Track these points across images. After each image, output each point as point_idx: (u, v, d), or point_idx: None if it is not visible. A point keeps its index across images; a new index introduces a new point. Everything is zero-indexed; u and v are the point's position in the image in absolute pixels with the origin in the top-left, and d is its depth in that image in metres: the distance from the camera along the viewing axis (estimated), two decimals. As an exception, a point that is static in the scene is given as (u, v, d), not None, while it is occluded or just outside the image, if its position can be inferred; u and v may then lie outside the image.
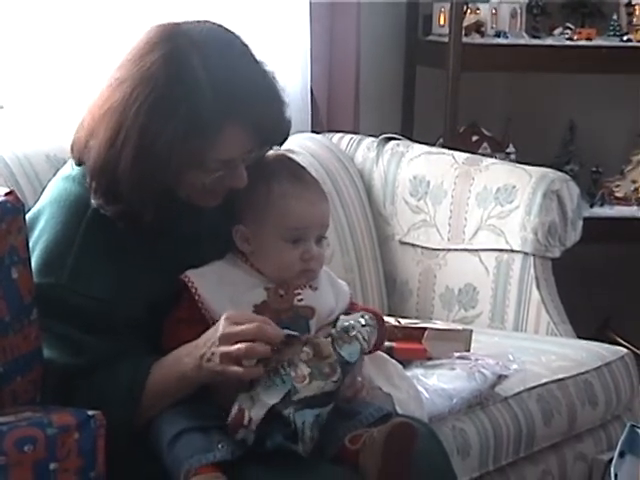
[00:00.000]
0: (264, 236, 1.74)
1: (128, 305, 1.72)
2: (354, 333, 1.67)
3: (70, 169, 1.81)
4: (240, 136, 1.71)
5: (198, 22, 1.76)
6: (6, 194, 1.71)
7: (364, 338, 1.67)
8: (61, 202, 1.77)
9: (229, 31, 1.77)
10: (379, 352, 1.89)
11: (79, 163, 1.78)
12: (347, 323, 1.68)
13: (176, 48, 1.70)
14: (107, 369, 1.69)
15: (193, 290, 1.72)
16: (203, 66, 1.68)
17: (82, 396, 1.68)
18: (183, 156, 1.68)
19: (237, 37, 1.77)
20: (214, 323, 1.69)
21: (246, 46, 1.76)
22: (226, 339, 1.63)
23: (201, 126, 1.67)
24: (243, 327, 1.63)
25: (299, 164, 1.81)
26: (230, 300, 1.71)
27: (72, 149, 1.79)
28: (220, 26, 1.77)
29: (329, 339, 1.65)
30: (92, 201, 1.73)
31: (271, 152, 1.81)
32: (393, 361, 1.96)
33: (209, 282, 1.72)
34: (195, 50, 1.69)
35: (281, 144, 1.81)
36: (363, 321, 1.69)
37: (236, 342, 1.62)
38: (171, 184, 1.72)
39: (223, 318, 1.65)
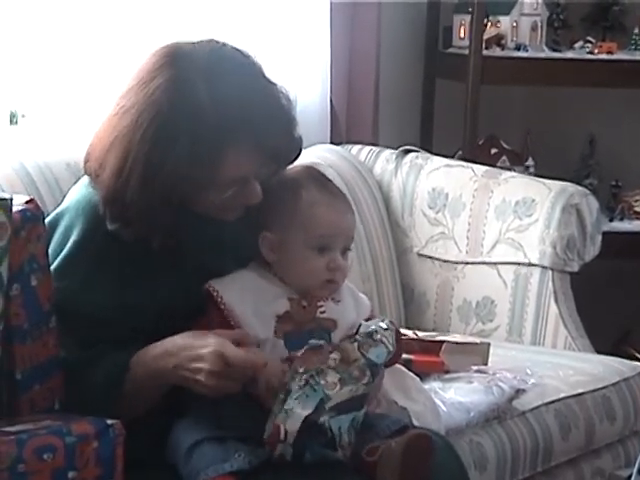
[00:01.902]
0: (291, 244, 1.74)
1: (138, 318, 1.72)
2: (378, 337, 1.67)
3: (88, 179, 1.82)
4: (245, 156, 1.71)
5: (203, 42, 1.75)
6: (26, 202, 1.72)
7: (388, 340, 1.68)
8: (80, 209, 1.78)
9: (237, 50, 1.76)
10: (397, 365, 1.88)
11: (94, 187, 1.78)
12: (370, 328, 1.69)
13: (179, 73, 1.69)
14: (92, 368, 1.71)
15: (219, 299, 1.72)
16: (207, 90, 1.68)
17: (73, 398, 1.70)
18: (189, 181, 1.69)
19: (246, 56, 1.75)
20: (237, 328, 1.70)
21: (255, 65, 1.75)
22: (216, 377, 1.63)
23: (203, 151, 1.67)
24: (232, 371, 1.63)
25: (326, 176, 1.82)
26: (253, 309, 1.71)
27: (86, 174, 1.80)
28: (226, 45, 1.75)
29: (355, 344, 1.66)
30: (108, 226, 1.73)
31: (297, 164, 1.82)
32: (411, 374, 1.95)
33: (233, 291, 1.73)
34: (199, 74, 1.69)
35: (292, 161, 1.81)
36: (384, 325, 1.70)
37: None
38: (184, 205, 1.72)
39: (211, 352, 1.63)
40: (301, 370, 1.62)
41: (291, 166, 1.82)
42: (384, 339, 1.68)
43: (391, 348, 1.68)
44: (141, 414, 1.71)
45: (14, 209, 1.67)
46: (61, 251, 1.76)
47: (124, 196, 1.70)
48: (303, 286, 1.74)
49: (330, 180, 1.82)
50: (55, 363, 1.72)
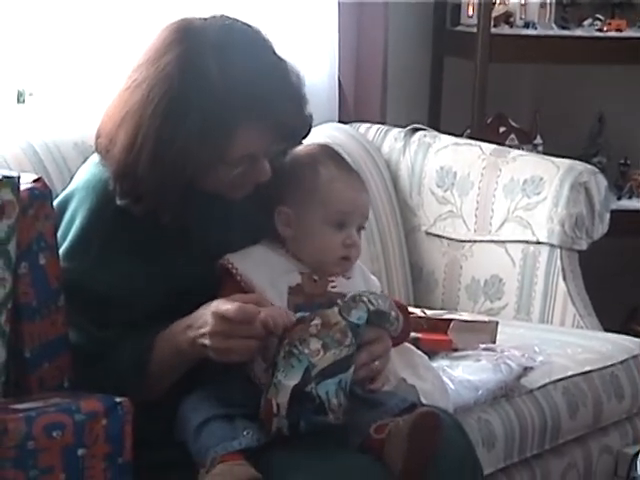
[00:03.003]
0: (308, 219, 1.75)
1: (150, 296, 1.73)
2: (359, 298, 1.69)
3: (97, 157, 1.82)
4: (256, 133, 1.71)
5: (214, 18, 1.75)
6: (34, 181, 1.72)
7: (370, 301, 1.69)
8: (89, 188, 1.78)
9: (247, 26, 1.76)
10: (405, 343, 1.89)
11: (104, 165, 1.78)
12: (352, 294, 1.70)
13: (190, 48, 1.69)
14: (114, 349, 1.71)
15: (234, 271, 1.73)
16: (217, 65, 1.68)
17: (95, 379, 1.70)
18: (200, 157, 1.69)
19: (256, 32, 1.75)
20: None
21: (265, 41, 1.75)
22: (218, 337, 1.64)
23: (214, 127, 1.68)
24: (231, 326, 1.63)
25: (340, 154, 1.83)
26: (269, 281, 1.72)
27: (97, 151, 1.80)
28: (237, 21, 1.76)
29: (336, 308, 1.67)
30: (117, 202, 1.74)
31: (310, 142, 1.83)
32: (419, 352, 1.96)
33: (248, 263, 1.74)
34: (210, 49, 1.69)
35: (302, 139, 1.81)
36: (368, 292, 1.71)
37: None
38: (194, 182, 1.73)
39: (211, 314, 1.65)
40: (286, 342, 1.64)
41: (304, 144, 1.82)
42: (365, 299, 1.69)
43: (372, 307, 1.69)
44: (163, 394, 1.71)
45: (22, 187, 1.68)
46: (72, 233, 1.76)
47: (135, 171, 1.70)
48: (318, 262, 1.75)
49: (344, 158, 1.83)
50: (64, 342, 1.73)
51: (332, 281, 1.74)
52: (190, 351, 1.69)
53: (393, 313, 1.73)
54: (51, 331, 1.72)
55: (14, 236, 1.66)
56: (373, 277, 1.84)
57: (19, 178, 1.67)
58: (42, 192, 1.71)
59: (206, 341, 1.65)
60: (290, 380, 1.62)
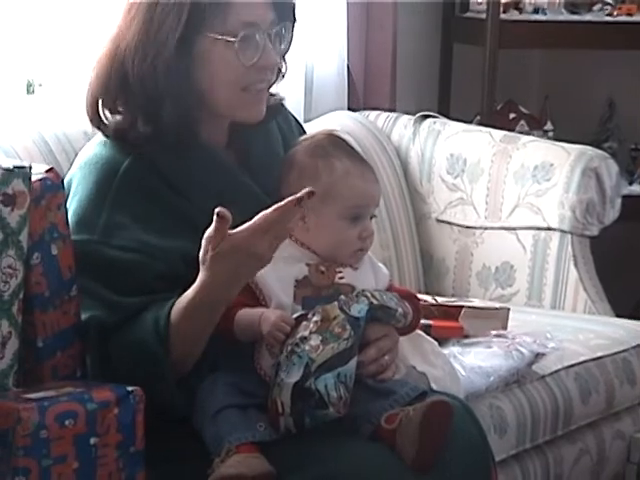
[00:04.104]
0: (324, 214, 1.74)
1: (162, 259, 1.72)
2: (361, 293, 1.69)
3: (102, 136, 1.82)
4: None
5: None
6: (46, 171, 1.72)
7: (373, 295, 1.69)
8: (92, 165, 1.78)
9: None
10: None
11: (98, 124, 1.80)
12: (357, 290, 1.70)
13: None
14: (134, 320, 1.69)
15: None
16: None
17: (116, 354, 1.69)
18: (202, 14, 1.70)
19: None
20: (261, 294, 1.71)
21: None
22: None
23: None
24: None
25: (347, 142, 1.83)
26: (275, 274, 1.72)
27: (88, 111, 1.81)
28: None
29: (336, 303, 1.68)
30: (114, 130, 1.75)
31: (320, 130, 1.83)
32: (428, 338, 1.95)
33: None
34: None
35: (293, 17, 1.81)
36: (376, 290, 1.71)
37: None
38: (202, 100, 1.74)
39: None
40: (288, 342, 1.64)
41: (310, 134, 1.81)
42: (367, 293, 1.69)
43: (375, 301, 1.69)
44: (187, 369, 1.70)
45: (34, 178, 1.68)
46: (78, 206, 1.76)
47: (126, 80, 1.73)
48: (333, 255, 1.75)
49: (353, 147, 1.83)
50: (76, 331, 1.73)
51: (339, 272, 1.74)
52: (227, 292, 1.64)
53: (400, 310, 1.73)
54: (63, 321, 1.72)
55: (26, 226, 1.66)
56: (381, 265, 1.83)
57: (31, 168, 1.67)
58: (54, 183, 1.72)
59: (261, 253, 1.62)
60: (291, 378, 1.63)
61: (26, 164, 1.68)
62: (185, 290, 1.69)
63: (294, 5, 1.83)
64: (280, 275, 1.72)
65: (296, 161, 1.78)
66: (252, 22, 1.74)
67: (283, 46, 1.81)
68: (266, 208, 1.65)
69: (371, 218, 1.78)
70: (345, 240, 1.75)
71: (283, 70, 1.86)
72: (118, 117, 1.78)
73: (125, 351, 1.69)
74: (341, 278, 1.74)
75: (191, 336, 1.68)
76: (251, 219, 1.65)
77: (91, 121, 1.82)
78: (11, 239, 1.65)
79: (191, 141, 1.78)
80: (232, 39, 1.73)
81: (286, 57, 1.85)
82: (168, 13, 1.71)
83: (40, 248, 1.69)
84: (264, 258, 1.63)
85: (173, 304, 1.69)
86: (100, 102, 1.80)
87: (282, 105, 1.92)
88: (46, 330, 1.70)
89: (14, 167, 1.65)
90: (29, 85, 2.46)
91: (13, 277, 1.65)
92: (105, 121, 1.80)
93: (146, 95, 1.74)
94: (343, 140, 1.82)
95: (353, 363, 1.65)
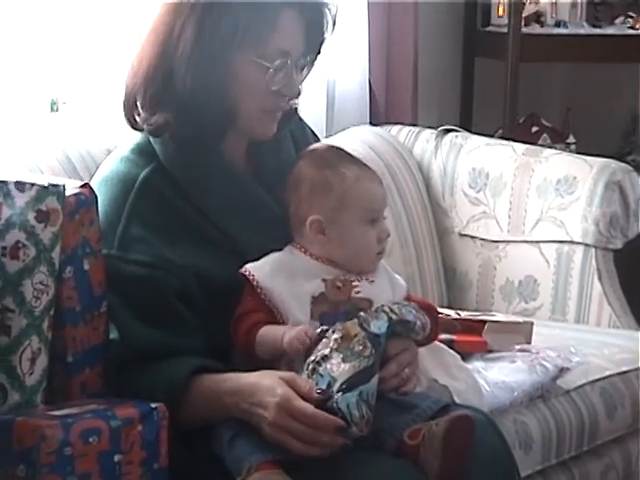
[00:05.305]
0: (343, 222, 1.75)
1: (178, 274, 1.72)
2: (381, 308, 1.69)
3: (119, 151, 1.83)
4: (295, 24, 1.78)
5: None
6: (81, 186, 1.73)
7: (392, 310, 1.69)
8: (108, 181, 1.79)
9: None
10: (436, 342, 1.88)
11: (131, 120, 1.82)
12: (377, 306, 1.70)
13: None
14: (153, 366, 1.69)
15: (255, 283, 1.72)
16: None
17: (125, 386, 1.70)
18: (248, 35, 1.73)
19: None
20: (278, 312, 1.71)
21: None
22: (278, 428, 1.62)
23: (262, 8, 1.74)
24: (296, 426, 1.61)
25: (345, 150, 1.84)
26: (290, 292, 1.72)
27: (126, 111, 1.83)
28: None
29: (356, 320, 1.67)
30: (151, 128, 1.77)
31: (319, 144, 1.86)
32: (450, 351, 1.95)
33: (269, 274, 1.73)
34: None
35: (319, 51, 1.85)
36: (392, 303, 1.71)
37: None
38: (232, 112, 1.76)
39: (276, 403, 1.62)
40: (310, 360, 1.64)
41: (307, 150, 1.83)
42: (386, 309, 1.69)
43: (395, 317, 1.68)
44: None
45: (68, 193, 1.69)
46: None
47: (173, 83, 1.74)
48: (356, 262, 1.75)
49: (351, 153, 1.84)
50: (105, 348, 1.74)
51: (356, 286, 1.74)
52: (237, 415, 1.66)
53: (419, 323, 1.72)
54: (93, 337, 1.73)
55: (58, 244, 1.67)
56: (398, 277, 1.83)
57: (64, 187, 1.68)
58: (88, 198, 1.73)
59: (264, 426, 1.62)
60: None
61: (61, 182, 1.69)
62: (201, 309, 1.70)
63: (324, 40, 1.85)
64: (296, 292, 1.72)
65: (303, 177, 1.78)
66: (288, 51, 1.78)
67: (304, 73, 1.84)
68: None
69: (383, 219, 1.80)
70: (367, 244, 1.75)
71: (297, 101, 1.88)
72: (153, 116, 1.79)
73: (134, 389, 1.69)
74: (357, 292, 1.74)
75: (199, 415, 1.69)
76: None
77: (125, 114, 1.83)
78: (44, 255, 1.66)
79: (213, 153, 1.80)
80: (268, 64, 1.76)
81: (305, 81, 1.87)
82: (219, 27, 1.74)
83: (73, 262, 1.70)
84: (266, 421, 1.62)
85: (193, 367, 1.69)
86: (137, 97, 1.80)
87: (295, 111, 1.94)
88: (76, 345, 1.71)
89: (49, 184, 1.67)
90: (53, 103, 2.47)
91: (44, 293, 1.66)
92: (139, 120, 1.81)
93: (188, 100, 1.75)
94: (342, 149, 1.84)
95: (375, 381, 1.64)
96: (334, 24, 1.85)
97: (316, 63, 1.86)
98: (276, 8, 1.76)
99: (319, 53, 1.86)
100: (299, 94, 1.83)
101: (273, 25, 1.76)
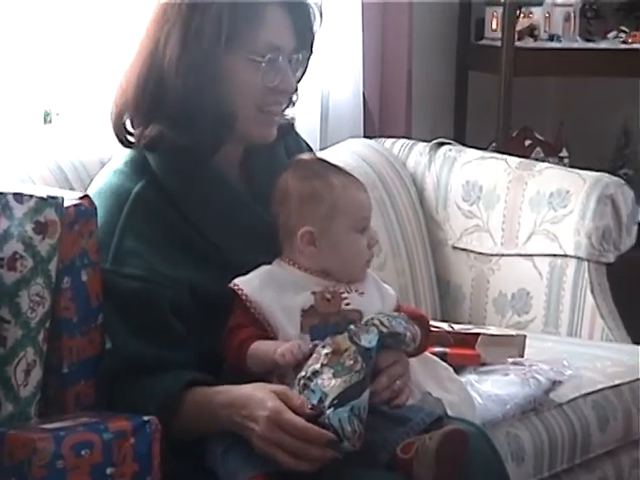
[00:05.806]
0: (335, 231, 1.75)
1: (172, 287, 1.72)
2: (370, 322, 1.69)
3: (113, 164, 1.83)
4: (282, 20, 1.78)
5: None
6: (80, 197, 1.73)
7: (382, 323, 1.68)
8: (102, 194, 1.79)
9: None
10: (428, 355, 1.88)
11: (123, 140, 1.81)
12: (366, 318, 1.70)
13: None
14: (145, 378, 1.69)
15: (244, 297, 1.72)
16: None
17: (119, 398, 1.70)
18: (234, 33, 1.73)
19: None
20: (269, 325, 1.71)
21: None
22: (268, 441, 1.62)
23: (245, 5, 1.74)
24: (286, 439, 1.61)
25: (329, 160, 1.85)
26: (280, 305, 1.72)
27: (115, 124, 1.82)
28: None
29: (346, 334, 1.67)
30: (141, 141, 1.77)
31: (302, 156, 1.86)
32: (443, 364, 1.95)
33: (257, 288, 1.73)
34: None
35: (311, 48, 1.85)
36: (382, 315, 1.70)
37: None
38: (228, 121, 1.75)
39: (266, 417, 1.62)
40: (300, 375, 1.64)
41: (293, 163, 1.82)
42: (376, 322, 1.68)
43: (385, 330, 1.68)
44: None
45: (68, 203, 1.69)
46: None
47: (164, 92, 1.74)
48: (347, 271, 1.75)
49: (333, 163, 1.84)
50: (100, 361, 1.74)
51: (345, 298, 1.74)
52: (230, 427, 1.66)
53: (409, 334, 1.72)
54: (89, 349, 1.72)
55: (55, 256, 1.67)
56: (387, 286, 1.82)
57: (63, 199, 1.68)
58: (87, 209, 1.73)
59: (255, 440, 1.62)
60: None
61: (59, 194, 1.69)
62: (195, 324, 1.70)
63: (314, 36, 1.86)
64: (286, 305, 1.72)
65: (290, 189, 1.77)
66: (278, 46, 1.78)
67: (298, 74, 1.84)
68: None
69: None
70: (358, 252, 1.76)
71: (294, 98, 1.88)
72: (147, 130, 1.78)
73: (126, 401, 1.69)
74: (347, 304, 1.73)
75: (192, 428, 1.69)
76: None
77: (117, 135, 1.83)
78: (41, 267, 1.66)
79: (207, 166, 1.79)
80: (260, 59, 1.76)
81: (299, 86, 1.87)
82: (203, 30, 1.74)
83: (70, 273, 1.70)
84: (256, 435, 1.62)
85: (186, 380, 1.69)
86: (128, 114, 1.81)
87: (292, 126, 1.94)
88: (72, 356, 1.70)
89: (48, 196, 1.67)
90: (46, 115, 2.47)
91: (40, 305, 1.66)
92: (131, 133, 1.81)
93: (182, 108, 1.75)
94: (325, 160, 1.84)
95: (366, 395, 1.64)
96: (321, 16, 1.85)
97: (310, 64, 1.86)
98: (260, 4, 1.76)
99: (312, 52, 1.86)
100: (296, 89, 1.83)
101: (259, 21, 1.76)
